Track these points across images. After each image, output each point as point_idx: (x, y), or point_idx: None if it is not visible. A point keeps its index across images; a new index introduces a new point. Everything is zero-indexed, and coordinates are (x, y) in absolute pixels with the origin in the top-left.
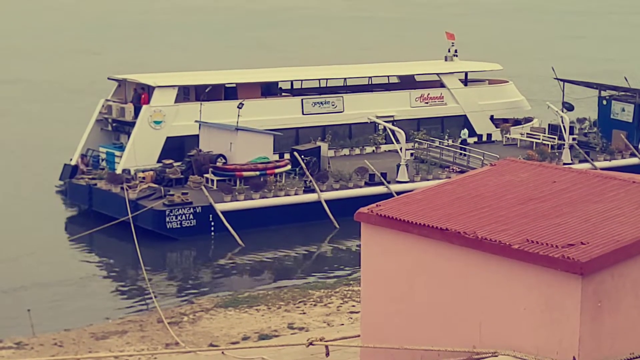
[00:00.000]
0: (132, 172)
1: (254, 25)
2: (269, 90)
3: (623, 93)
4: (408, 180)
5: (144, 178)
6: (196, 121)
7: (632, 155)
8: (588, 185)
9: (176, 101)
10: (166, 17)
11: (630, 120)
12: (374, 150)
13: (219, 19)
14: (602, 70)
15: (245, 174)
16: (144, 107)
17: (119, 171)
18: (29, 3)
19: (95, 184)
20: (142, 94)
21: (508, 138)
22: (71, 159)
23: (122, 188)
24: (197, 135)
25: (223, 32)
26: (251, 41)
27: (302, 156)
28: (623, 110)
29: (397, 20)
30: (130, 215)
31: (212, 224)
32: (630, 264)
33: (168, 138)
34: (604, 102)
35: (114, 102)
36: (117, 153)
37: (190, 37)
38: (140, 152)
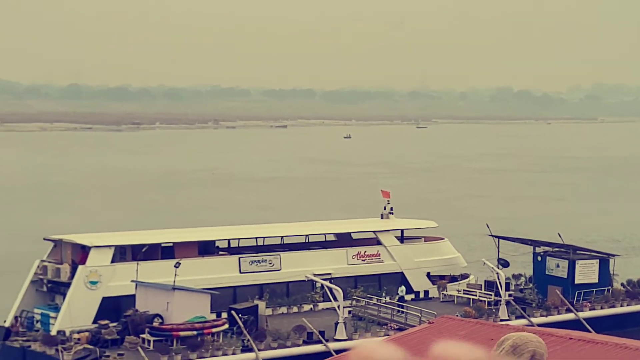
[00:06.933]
0: (68, 334)
1: (157, 187)
2: (206, 249)
3: (557, 249)
4: (346, 338)
5: (79, 339)
6: (133, 281)
7: (568, 310)
8: None
9: (112, 261)
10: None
11: (565, 276)
12: (311, 308)
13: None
14: (533, 228)
15: (182, 333)
16: (80, 267)
17: (53, 332)
18: None
19: (30, 346)
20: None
21: (445, 295)
22: (5, 321)
23: (57, 350)
24: (134, 295)
25: (134, 195)
26: (147, 203)
27: (240, 315)
28: (558, 266)
29: (324, 180)
30: None
31: None
32: None
33: (104, 298)
34: (539, 259)
35: (49, 262)
36: (52, 314)
37: (89, 200)
38: (76, 313)
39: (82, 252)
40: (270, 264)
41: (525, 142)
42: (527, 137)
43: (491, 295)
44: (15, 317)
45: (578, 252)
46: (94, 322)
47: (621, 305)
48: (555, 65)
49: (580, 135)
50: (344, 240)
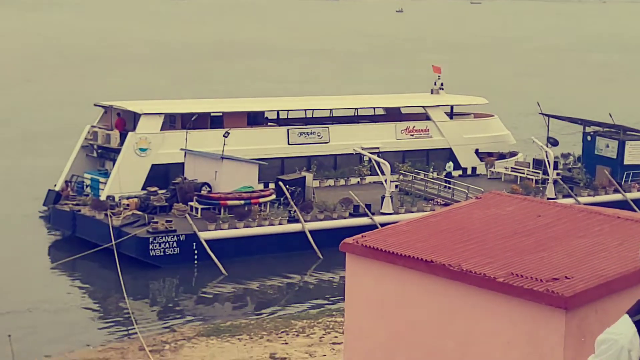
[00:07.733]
0: (117, 199)
1: (205, 57)
2: (255, 119)
3: (607, 129)
4: (392, 212)
5: (128, 205)
6: (182, 149)
7: (616, 191)
8: (573, 220)
9: (162, 129)
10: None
11: (614, 157)
12: (358, 182)
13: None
14: (584, 107)
15: (229, 202)
16: (130, 134)
17: (103, 198)
18: None
19: (79, 210)
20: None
21: (492, 172)
22: (55, 185)
23: (106, 215)
24: (183, 164)
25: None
26: (195, 73)
27: (287, 186)
28: (607, 146)
29: (374, 53)
30: (113, 242)
31: (196, 252)
32: (613, 299)
33: (153, 165)
34: (589, 138)
35: (99, 128)
36: (101, 179)
37: (139, 67)
38: (125, 179)
39: (119, 119)
40: (318, 136)
41: (578, 21)
42: (580, 16)
43: (539, 173)
44: (66, 182)
45: (628, 132)
46: (143, 188)
47: None
48: None
49: (635, 14)
50: (393, 114)
